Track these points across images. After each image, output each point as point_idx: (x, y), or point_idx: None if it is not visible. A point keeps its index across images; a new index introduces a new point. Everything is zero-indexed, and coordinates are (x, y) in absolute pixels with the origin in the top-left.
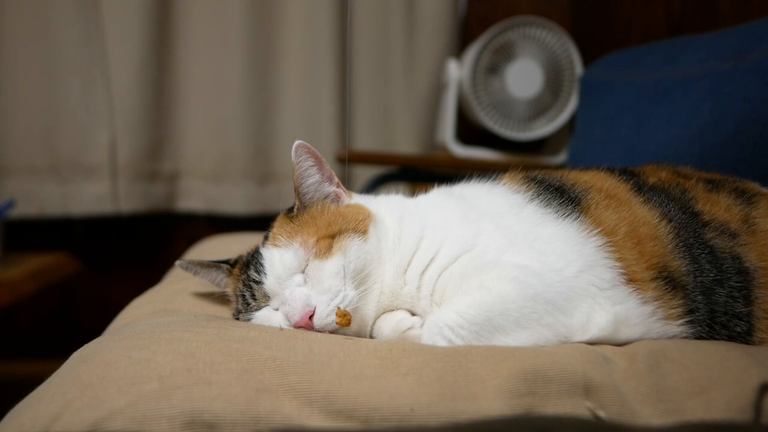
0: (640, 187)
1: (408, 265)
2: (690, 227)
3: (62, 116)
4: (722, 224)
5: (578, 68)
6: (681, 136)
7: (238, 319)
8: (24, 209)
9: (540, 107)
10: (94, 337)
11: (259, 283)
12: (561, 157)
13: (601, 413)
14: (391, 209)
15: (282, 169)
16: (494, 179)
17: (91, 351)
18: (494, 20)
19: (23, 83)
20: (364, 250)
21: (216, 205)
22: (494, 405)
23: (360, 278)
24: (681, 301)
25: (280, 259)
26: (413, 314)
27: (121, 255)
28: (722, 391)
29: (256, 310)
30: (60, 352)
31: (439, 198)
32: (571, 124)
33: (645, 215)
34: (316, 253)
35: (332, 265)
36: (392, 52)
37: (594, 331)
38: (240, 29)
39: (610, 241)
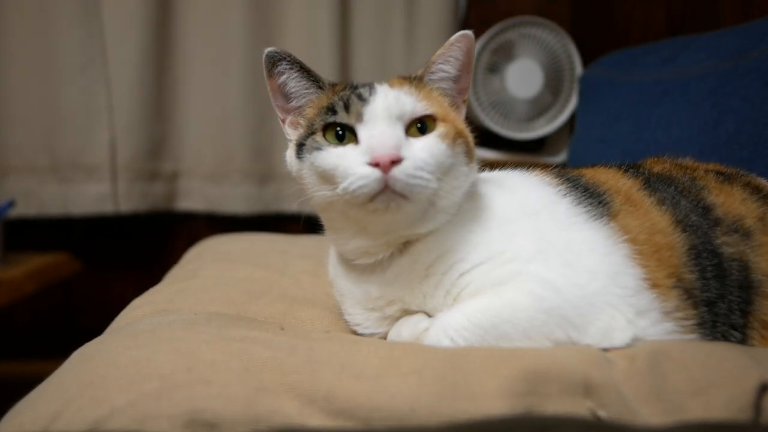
0: (650, 184)
1: (439, 258)
2: (701, 230)
3: (62, 116)
4: (736, 220)
5: (578, 68)
6: (681, 136)
7: (302, 145)
8: (24, 209)
9: (540, 107)
10: (94, 337)
11: (363, 100)
12: (561, 157)
13: (601, 413)
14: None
15: (282, 168)
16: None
17: (91, 350)
18: (494, 20)
19: (23, 83)
20: (465, 178)
21: (216, 205)
22: (494, 405)
23: (444, 189)
24: (694, 312)
25: (397, 94)
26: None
27: (121, 255)
28: (722, 391)
29: (329, 136)
30: (60, 352)
31: (492, 194)
32: (571, 124)
33: (659, 221)
34: (442, 132)
35: (448, 155)
36: (392, 52)
37: (607, 345)
38: (240, 29)
39: (635, 249)
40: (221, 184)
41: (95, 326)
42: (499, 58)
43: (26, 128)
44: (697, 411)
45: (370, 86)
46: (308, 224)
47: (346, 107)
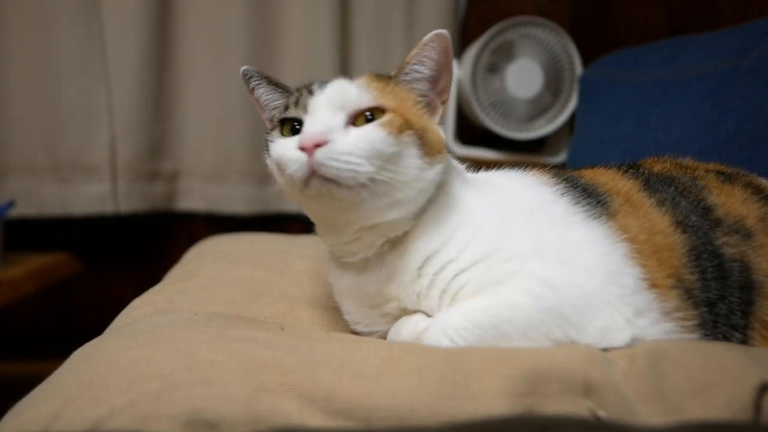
0: (650, 185)
1: (430, 257)
2: (701, 230)
3: (62, 116)
4: (737, 220)
5: (578, 68)
6: (681, 136)
7: (266, 142)
8: (24, 209)
9: (540, 107)
10: (94, 337)
11: (311, 93)
12: (561, 157)
13: (601, 413)
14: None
15: None
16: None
17: (91, 350)
18: (494, 20)
19: (23, 83)
20: (419, 172)
21: (216, 205)
22: (494, 405)
23: (391, 176)
24: (695, 312)
25: (344, 86)
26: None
27: (121, 255)
28: (722, 391)
29: (285, 130)
30: (60, 352)
31: (485, 192)
32: (571, 123)
33: (659, 222)
34: (384, 121)
35: (388, 143)
36: (392, 53)
37: (606, 345)
38: (240, 29)
39: (634, 248)
40: (221, 184)
41: (95, 326)
42: (499, 58)
43: (26, 128)
44: (697, 411)
45: (325, 82)
46: (308, 224)
47: (296, 102)
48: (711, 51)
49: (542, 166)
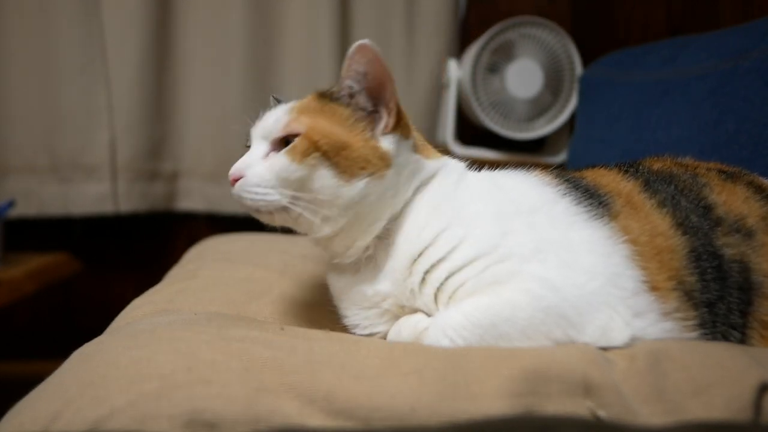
0: (651, 185)
1: (419, 256)
2: (702, 231)
3: (62, 116)
4: (738, 219)
5: (578, 68)
6: (681, 136)
7: None
8: (24, 209)
9: (540, 107)
10: (94, 337)
11: (254, 124)
12: (561, 157)
13: (601, 413)
14: (436, 194)
15: None
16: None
17: (91, 350)
18: (494, 20)
19: (23, 83)
20: (336, 190)
21: (216, 205)
22: (495, 405)
23: (309, 199)
24: (695, 313)
25: (269, 115)
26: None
27: (121, 255)
28: (722, 391)
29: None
30: (60, 352)
31: (483, 191)
32: (571, 123)
33: (660, 224)
34: (289, 148)
35: (291, 170)
36: (392, 53)
37: (605, 344)
38: (240, 29)
39: (636, 250)
40: (221, 184)
41: (95, 326)
42: (499, 58)
43: (26, 128)
44: (698, 411)
45: (269, 109)
46: None
47: (248, 135)
48: (711, 51)
49: (543, 167)
